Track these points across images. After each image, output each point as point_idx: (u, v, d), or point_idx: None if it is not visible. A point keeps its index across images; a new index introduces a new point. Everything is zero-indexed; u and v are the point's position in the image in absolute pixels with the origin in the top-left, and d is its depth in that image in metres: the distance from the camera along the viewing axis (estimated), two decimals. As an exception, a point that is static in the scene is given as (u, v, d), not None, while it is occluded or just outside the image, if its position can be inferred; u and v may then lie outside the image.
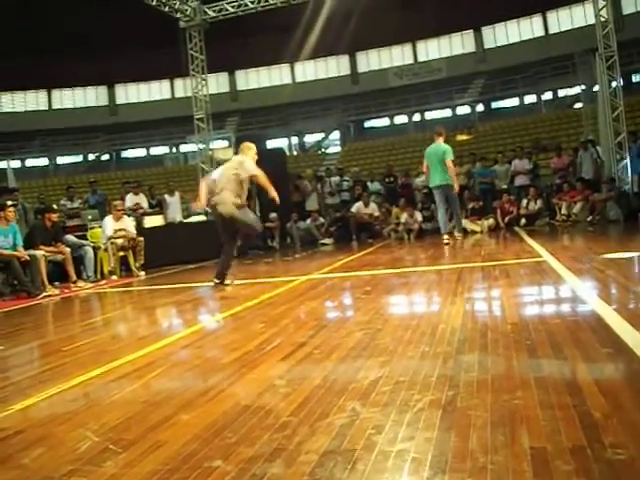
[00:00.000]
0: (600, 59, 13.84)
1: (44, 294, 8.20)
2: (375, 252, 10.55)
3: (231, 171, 6.98)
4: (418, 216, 13.44)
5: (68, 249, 9.38)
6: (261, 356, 3.41)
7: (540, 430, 1.94)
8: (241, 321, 4.81)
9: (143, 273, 10.35)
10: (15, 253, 8.46)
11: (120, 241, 10.32)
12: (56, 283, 9.16)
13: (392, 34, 31.92)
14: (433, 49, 35.20)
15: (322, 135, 36.31)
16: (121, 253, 10.43)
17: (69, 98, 37.50)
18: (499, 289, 5.08)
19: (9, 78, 30.62)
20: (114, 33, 28.18)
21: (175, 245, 11.51)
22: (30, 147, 34.94)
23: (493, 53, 33.17)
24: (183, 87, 30.96)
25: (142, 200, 13.05)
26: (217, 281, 7.11)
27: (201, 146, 18.25)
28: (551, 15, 32.79)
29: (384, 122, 35.88)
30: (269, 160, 15.89)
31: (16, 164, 33.36)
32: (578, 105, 24.83)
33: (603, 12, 13.97)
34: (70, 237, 10.22)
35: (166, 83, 37.39)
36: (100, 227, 10.95)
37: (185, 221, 13.38)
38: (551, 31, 32.61)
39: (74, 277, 9.28)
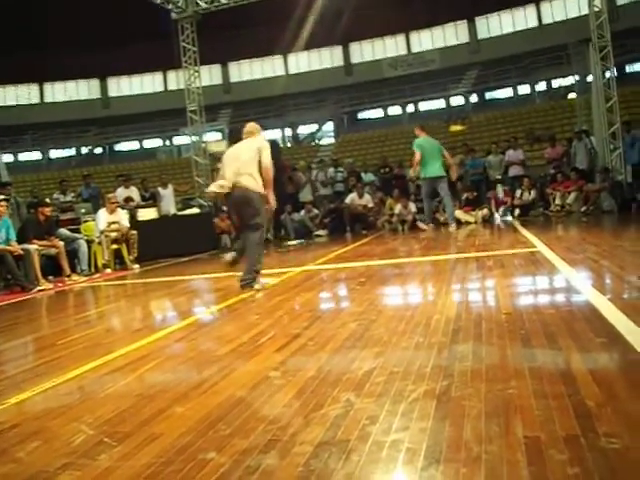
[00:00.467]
0: (594, 49, 13.80)
1: (38, 288, 8.17)
2: (369, 243, 10.55)
3: (245, 152, 6.00)
4: (412, 207, 13.42)
5: (62, 243, 9.35)
6: (255, 348, 3.41)
7: (534, 420, 1.94)
8: (235, 313, 4.80)
9: (137, 266, 10.32)
10: (8, 247, 8.42)
11: (113, 234, 10.29)
12: (50, 277, 9.14)
13: (385, 25, 31.90)
14: (426, 40, 35.16)
15: (316, 126, 36.27)
16: (114, 246, 10.40)
17: (61, 91, 37.34)
18: (493, 279, 5.08)
19: (1, 72, 30.43)
20: (106, 26, 28.03)
21: (169, 238, 11.48)
22: (22, 141, 34.79)
23: (487, 44, 33.15)
24: (176, 79, 30.83)
25: (134, 193, 12.99)
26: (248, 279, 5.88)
27: (194, 138, 18.18)
28: (545, 5, 32.78)
29: (378, 113, 35.83)
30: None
31: (8, 158, 33.13)
32: (572, 95, 24.86)
33: (597, 2, 13.93)
34: (63, 231, 10.19)
35: (159, 75, 37.26)
36: (94, 220, 10.92)
37: (179, 214, 13.36)
38: (545, 21, 32.60)
39: (68, 271, 9.25)
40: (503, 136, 19.99)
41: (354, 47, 36.21)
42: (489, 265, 5.93)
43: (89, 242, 10.41)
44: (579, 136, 14.24)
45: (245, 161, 5.88)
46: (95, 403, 2.73)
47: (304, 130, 36.78)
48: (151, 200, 13.49)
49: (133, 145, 38.07)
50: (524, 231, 9.46)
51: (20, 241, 8.74)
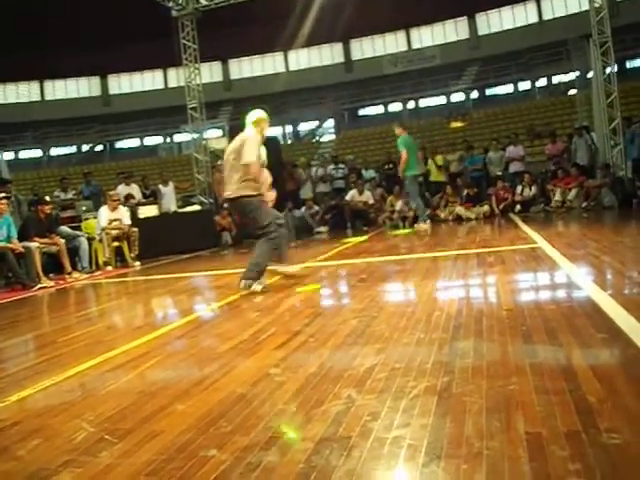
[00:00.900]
0: (594, 45, 13.77)
1: (39, 286, 8.18)
2: (370, 240, 10.55)
3: (231, 155, 5.80)
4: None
5: (62, 240, 9.36)
6: (256, 345, 3.41)
7: (535, 415, 1.94)
8: (236, 310, 4.80)
9: (138, 263, 10.33)
10: (9, 245, 8.43)
11: (114, 232, 10.30)
12: (51, 275, 9.15)
13: (386, 21, 31.80)
14: (427, 36, 35.09)
15: (316, 123, 36.22)
16: (115, 244, 10.40)
17: (62, 89, 37.28)
18: (494, 275, 5.08)
19: (1, 70, 30.42)
20: (106, 23, 27.97)
21: (170, 235, 11.49)
22: (23, 139, 34.73)
23: (487, 40, 33.07)
24: (176, 77, 30.74)
25: (134, 190, 12.99)
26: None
27: (195, 136, 18.16)
28: (545, 1, 32.68)
29: (378, 110, 35.76)
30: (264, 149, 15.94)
31: (9, 156, 33.12)
32: (572, 91, 24.77)
33: (597, -2, 13.91)
34: (64, 228, 10.18)
35: (159, 73, 37.19)
36: (95, 218, 10.92)
37: (179, 211, 13.36)
38: (545, 17, 32.51)
39: (69, 268, 9.26)
40: (503, 132, 19.95)
41: (354, 44, 36.14)
42: (490, 261, 5.93)
43: (90, 239, 10.41)
44: (579, 132, 14.21)
45: (233, 165, 5.73)
46: (96, 400, 2.73)
47: (305, 127, 36.74)
48: (152, 197, 13.50)
49: (134, 142, 38.01)
50: (525, 227, 9.45)
51: (21, 239, 8.74)
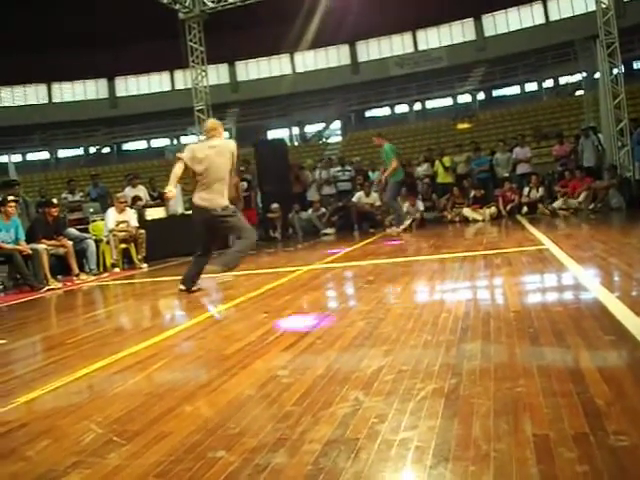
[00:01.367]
0: (601, 46, 13.74)
1: (47, 287, 8.20)
2: (377, 242, 10.54)
3: (222, 159, 5.83)
4: (420, 205, 13.40)
5: (70, 242, 9.38)
6: (264, 346, 3.42)
7: (543, 418, 1.94)
8: (244, 312, 4.81)
9: (145, 265, 10.35)
10: (17, 247, 8.45)
11: (122, 234, 10.32)
12: (59, 276, 9.17)
13: (392, 23, 31.81)
14: (433, 38, 35.08)
15: (323, 125, 36.23)
16: (123, 245, 10.43)
17: (69, 91, 37.43)
18: (501, 277, 5.07)
19: (9, 72, 30.55)
20: (113, 26, 28.07)
21: (177, 237, 11.49)
22: (31, 141, 34.89)
23: (494, 41, 33.03)
24: (183, 79, 30.80)
25: (141, 192, 13.00)
26: (182, 287, 6.21)
27: (202, 138, 18.20)
28: (552, 2, 32.64)
29: (385, 111, 35.78)
30: (271, 151, 15.96)
31: (17, 158, 33.32)
32: (579, 92, 24.71)
33: (604, -2, 13.88)
34: (72, 230, 10.21)
35: (166, 75, 37.29)
36: (102, 220, 10.95)
37: (187, 213, 13.35)
38: (552, 18, 32.46)
39: (76, 270, 9.28)
40: (510, 133, 19.92)
41: (361, 45, 36.16)
42: (497, 263, 5.92)
43: (97, 241, 10.44)
44: (586, 133, 14.17)
45: (222, 172, 5.85)
46: (104, 402, 2.74)
47: (311, 129, 36.76)
48: (159, 199, 13.51)
49: (141, 144, 38.12)
50: (532, 229, 9.43)
51: (29, 241, 8.77)
